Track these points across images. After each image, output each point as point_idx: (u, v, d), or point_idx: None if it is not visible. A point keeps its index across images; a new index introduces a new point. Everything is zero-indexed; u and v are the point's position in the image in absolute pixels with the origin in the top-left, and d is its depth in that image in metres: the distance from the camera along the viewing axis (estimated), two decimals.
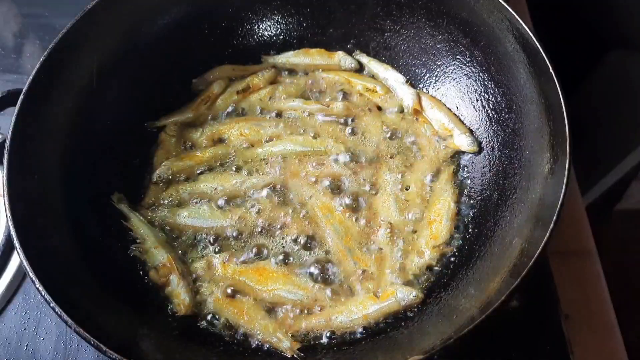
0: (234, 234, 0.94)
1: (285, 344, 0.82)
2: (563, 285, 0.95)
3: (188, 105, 1.08)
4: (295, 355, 0.82)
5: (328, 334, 0.85)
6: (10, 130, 0.83)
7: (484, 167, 0.97)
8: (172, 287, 0.88)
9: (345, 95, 1.08)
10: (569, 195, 0.76)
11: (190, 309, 0.87)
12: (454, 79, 1.03)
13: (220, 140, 1.05)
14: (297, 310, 0.87)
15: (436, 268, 0.90)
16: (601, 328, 0.95)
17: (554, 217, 0.73)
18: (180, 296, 0.87)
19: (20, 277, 0.97)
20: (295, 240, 0.93)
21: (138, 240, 0.93)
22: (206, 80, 1.10)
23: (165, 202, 0.98)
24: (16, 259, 0.97)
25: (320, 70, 1.10)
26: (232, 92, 1.08)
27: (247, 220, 0.95)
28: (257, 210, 0.96)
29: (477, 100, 1.00)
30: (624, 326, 0.96)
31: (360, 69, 1.11)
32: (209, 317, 0.88)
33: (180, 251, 0.94)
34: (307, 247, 0.92)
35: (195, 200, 0.98)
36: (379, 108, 1.07)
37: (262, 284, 0.88)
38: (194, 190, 0.98)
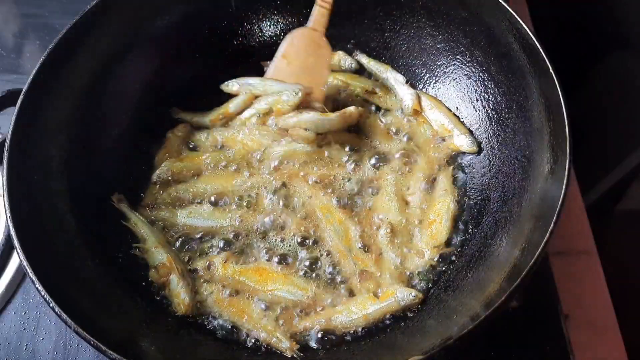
0: (234, 234, 0.94)
1: (285, 344, 0.82)
2: (563, 285, 0.95)
3: (207, 113, 1.07)
4: (295, 356, 0.82)
5: (328, 334, 0.85)
6: (10, 130, 0.83)
7: (484, 167, 0.97)
8: (172, 286, 0.88)
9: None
10: (569, 195, 0.75)
11: (190, 308, 0.87)
12: (454, 79, 1.03)
13: (223, 146, 1.04)
14: (297, 310, 0.87)
15: (436, 269, 0.90)
16: (601, 328, 0.95)
17: (554, 217, 0.73)
18: (180, 296, 0.87)
19: (20, 277, 0.97)
20: (295, 241, 0.92)
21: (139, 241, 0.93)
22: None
23: (165, 202, 0.98)
24: (16, 259, 0.97)
25: None
26: (253, 114, 1.04)
27: (247, 220, 0.94)
28: (257, 210, 0.95)
29: (477, 100, 1.00)
30: (624, 326, 0.96)
31: (360, 69, 1.11)
32: (209, 317, 0.87)
33: (180, 251, 0.94)
34: (307, 247, 0.92)
35: (195, 200, 0.98)
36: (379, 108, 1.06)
37: (262, 284, 0.88)
38: (194, 190, 0.98)
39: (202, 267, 0.91)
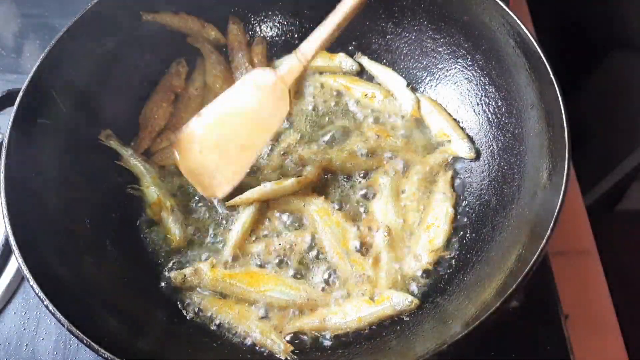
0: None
1: (280, 346, 0.83)
2: (563, 285, 0.95)
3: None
4: (289, 358, 0.82)
5: (323, 337, 0.85)
6: (8, 129, 0.83)
7: (483, 172, 0.96)
8: (164, 223, 0.94)
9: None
10: (569, 195, 0.75)
11: (181, 242, 0.93)
12: (455, 83, 1.02)
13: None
14: (292, 311, 0.87)
15: (433, 273, 0.90)
16: (601, 328, 0.96)
17: (551, 225, 0.73)
18: (170, 230, 0.93)
19: (20, 277, 0.97)
20: (292, 243, 0.92)
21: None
22: None
23: None
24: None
25: (319, 73, 1.10)
26: None
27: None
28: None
29: (478, 104, 0.99)
30: (624, 326, 0.96)
31: (361, 71, 1.10)
32: (203, 319, 0.87)
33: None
34: (304, 250, 0.92)
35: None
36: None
37: (254, 285, 0.87)
38: None
39: (190, 273, 0.89)
